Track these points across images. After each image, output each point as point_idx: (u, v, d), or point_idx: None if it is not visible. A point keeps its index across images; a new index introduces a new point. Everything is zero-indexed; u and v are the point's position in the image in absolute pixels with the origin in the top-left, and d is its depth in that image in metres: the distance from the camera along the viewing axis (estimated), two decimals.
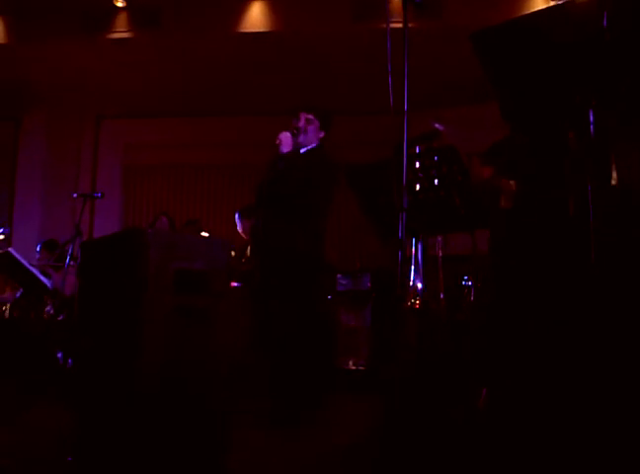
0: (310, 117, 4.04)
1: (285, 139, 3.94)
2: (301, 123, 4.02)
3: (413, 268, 3.30)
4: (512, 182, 2.84)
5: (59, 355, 4.65)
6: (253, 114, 8.22)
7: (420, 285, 3.32)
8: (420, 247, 3.10)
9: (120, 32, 7.07)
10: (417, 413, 2.81)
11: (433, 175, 2.88)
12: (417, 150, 3.00)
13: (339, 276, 6.40)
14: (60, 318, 4.99)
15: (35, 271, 5.10)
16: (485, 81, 2.53)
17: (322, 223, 4.03)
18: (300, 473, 2.88)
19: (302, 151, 4.03)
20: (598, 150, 2.29)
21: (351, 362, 6.04)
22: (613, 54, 2.14)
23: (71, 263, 5.02)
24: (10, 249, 5.09)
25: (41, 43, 7.18)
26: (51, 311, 5.10)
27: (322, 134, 4.09)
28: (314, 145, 4.06)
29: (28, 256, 5.53)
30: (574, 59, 2.19)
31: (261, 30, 6.91)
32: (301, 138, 4.01)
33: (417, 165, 2.92)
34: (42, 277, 5.09)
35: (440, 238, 4.61)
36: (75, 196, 5.97)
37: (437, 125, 3.44)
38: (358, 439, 3.32)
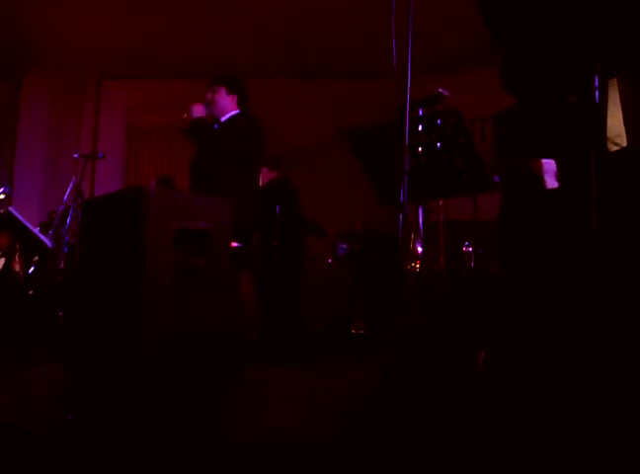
0: (215, 87, 4.10)
1: (196, 109, 3.99)
2: (208, 96, 4.10)
3: (414, 232, 3.30)
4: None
5: (61, 313, 4.68)
6: (256, 76, 8.14)
7: (420, 249, 3.33)
8: (421, 211, 3.08)
9: None
10: (414, 376, 2.83)
11: (435, 138, 2.86)
12: (420, 113, 2.97)
13: (339, 241, 6.42)
14: (62, 277, 5.00)
15: (35, 230, 5.10)
16: (490, 45, 2.51)
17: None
18: (298, 431, 2.91)
19: (222, 120, 4.09)
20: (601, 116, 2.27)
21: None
22: (619, 17, 2.11)
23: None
24: (10, 208, 5.08)
25: (41, 3, 7.07)
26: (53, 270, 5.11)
27: (235, 98, 4.12)
28: (234, 112, 4.10)
29: (29, 216, 5.53)
30: (580, 21, 2.16)
31: None
32: (213, 110, 4.09)
33: (419, 128, 2.90)
34: (43, 237, 5.09)
35: (441, 202, 4.61)
36: (76, 156, 5.95)
37: (441, 90, 3.40)
38: (355, 402, 3.35)
